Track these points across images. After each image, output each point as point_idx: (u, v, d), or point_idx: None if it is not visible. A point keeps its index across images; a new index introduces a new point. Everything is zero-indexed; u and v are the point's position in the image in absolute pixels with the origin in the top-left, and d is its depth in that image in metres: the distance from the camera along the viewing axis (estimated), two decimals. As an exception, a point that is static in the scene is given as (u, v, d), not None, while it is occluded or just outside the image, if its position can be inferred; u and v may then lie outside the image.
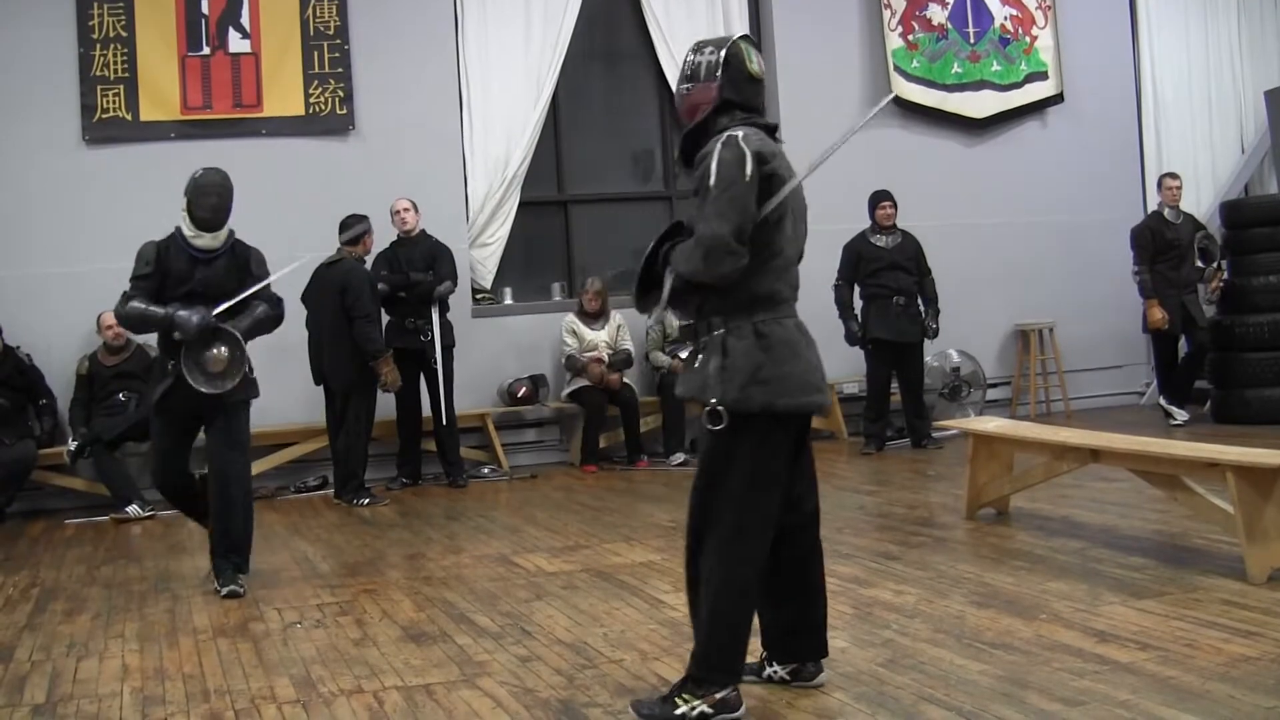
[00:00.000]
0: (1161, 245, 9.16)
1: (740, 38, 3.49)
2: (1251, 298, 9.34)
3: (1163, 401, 9.36)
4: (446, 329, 8.28)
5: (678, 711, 3.24)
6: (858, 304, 8.95)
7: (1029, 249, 10.46)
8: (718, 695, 3.25)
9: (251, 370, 5.43)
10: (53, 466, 7.94)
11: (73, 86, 8.41)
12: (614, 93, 10.16)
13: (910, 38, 10.32)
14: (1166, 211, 9.32)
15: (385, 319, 8.09)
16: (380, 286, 8.01)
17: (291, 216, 8.57)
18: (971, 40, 10.50)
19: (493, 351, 9.13)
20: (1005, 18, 10.61)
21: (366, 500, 7.68)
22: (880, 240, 8.92)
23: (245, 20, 8.77)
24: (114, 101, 8.48)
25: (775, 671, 3.58)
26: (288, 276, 8.23)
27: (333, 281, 7.77)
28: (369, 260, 8.08)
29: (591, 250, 9.90)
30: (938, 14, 10.40)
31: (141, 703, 3.81)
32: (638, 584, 5.03)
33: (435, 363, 8.14)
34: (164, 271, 5.26)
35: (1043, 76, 10.67)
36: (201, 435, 5.48)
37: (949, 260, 9.46)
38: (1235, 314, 9.37)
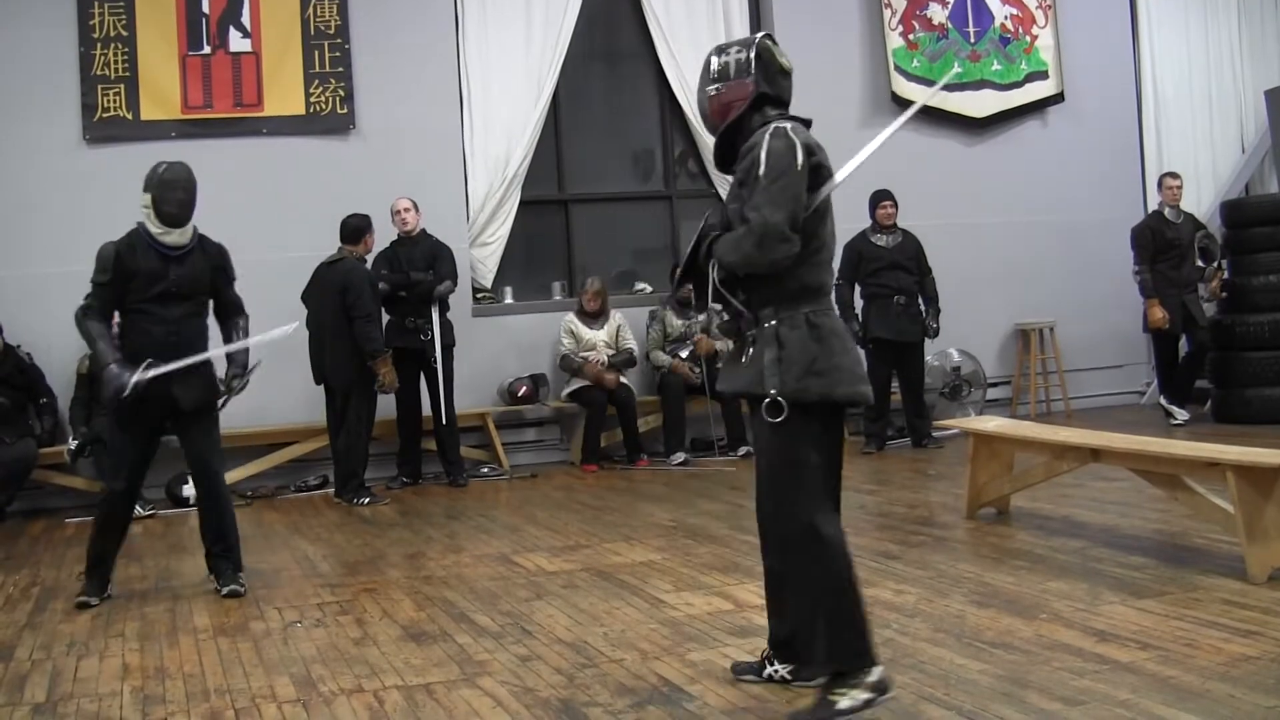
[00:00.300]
0: (1162, 245, 9.16)
1: (764, 35, 3.54)
2: (1252, 297, 9.35)
3: (1163, 401, 9.36)
4: (447, 328, 8.28)
5: (841, 706, 3.18)
6: (858, 303, 8.95)
7: (1029, 248, 10.46)
8: (869, 679, 3.21)
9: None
10: (53, 465, 7.94)
11: (73, 86, 8.41)
12: (614, 92, 10.16)
13: (911, 37, 10.32)
14: (1167, 211, 9.32)
15: (385, 318, 8.09)
16: (381, 286, 8.01)
17: (292, 215, 8.59)
18: (972, 40, 10.50)
19: (493, 351, 9.14)
20: (1005, 17, 10.61)
21: (367, 499, 7.68)
22: (881, 240, 8.92)
23: (246, 19, 8.76)
24: (115, 101, 8.48)
25: (776, 670, 3.58)
26: (286, 278, 8.27)
27: (333, 281, 7.77)
28: (369, 260, 8.09)
29: (592, 250, 9.90)
30: (938, 13, 10.40)
31: (142, 702, 3.81)
32: (638, 583, 5.03)
33: (435, 362, 8.13)
34: (129, 273, 5.06)
35: (1043, 76, 10.67)
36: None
37: (949, 260, 9.46)
38: (1235, 313, 9.38)
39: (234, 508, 5.50)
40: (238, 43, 8.74)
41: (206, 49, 8.68)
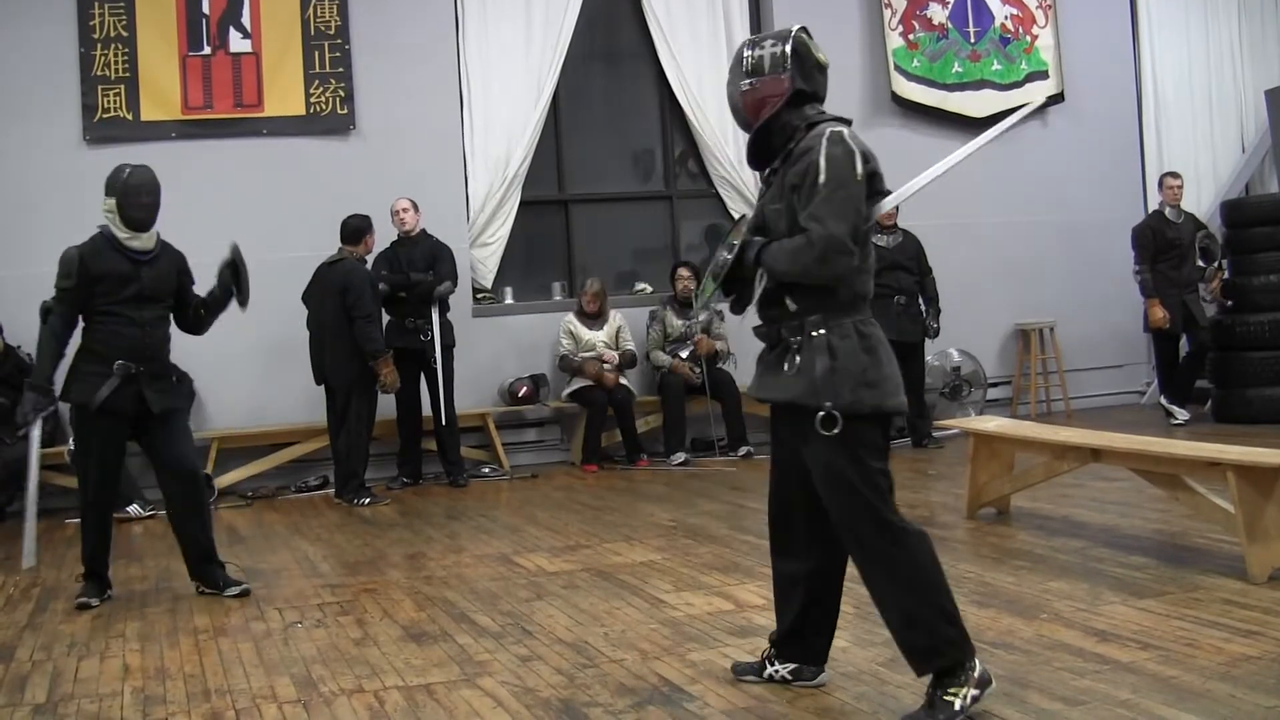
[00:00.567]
0: (1162, 244, 9.17)
1: (799, 29, 3.41)
2: (1252, 297, 9.35)
3: (1163, 401, 9.36)
4: (447, 328, 8.28)
5: (956, 707, 3.15)
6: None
7: (1029, 248, 10.46)
8: (974, 674, 3.19)
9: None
10: (54, 466, 7.92)
11: (73, 86, 8.41)
12: (614, 92, 10.15)
13: (911, 37, 10.32)
14: (1167, 211, 9.32)
15: (386, 319, 8.10)
16: (380, 287, 8.01)
17: (292, 216, 8.58)
18: (972, 39, 10.50)
19: (493, 351, 9.14)
20: (1005, 17, 10.61)
21: (367, 500, 7.68)
22: (881, 240, 8.90)
23: (246, 20, 8.77)
24: (115, 101, 8.49)
25: (777, 670, 3.57)
26: (287, 278, 8.25)
27: (334, 281, 7.77)
28: (370, 260, 8.09)
29: (592, 250, 9.90)
30: (938, 13, 10.40)
31: (142, 702, 3.81)
32: (638, 583, 5.03)
33: (435, 362, 8.13)
34: (94, 277, 5.04)
35: (1043, 76, 10.67)
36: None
37: (950, 260, 9.46)
38: (1236, 313, 9.38)
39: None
40: (238, 43, 8.74)
41: (207, 49, 8.68)
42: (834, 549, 3.42)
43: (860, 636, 4.02)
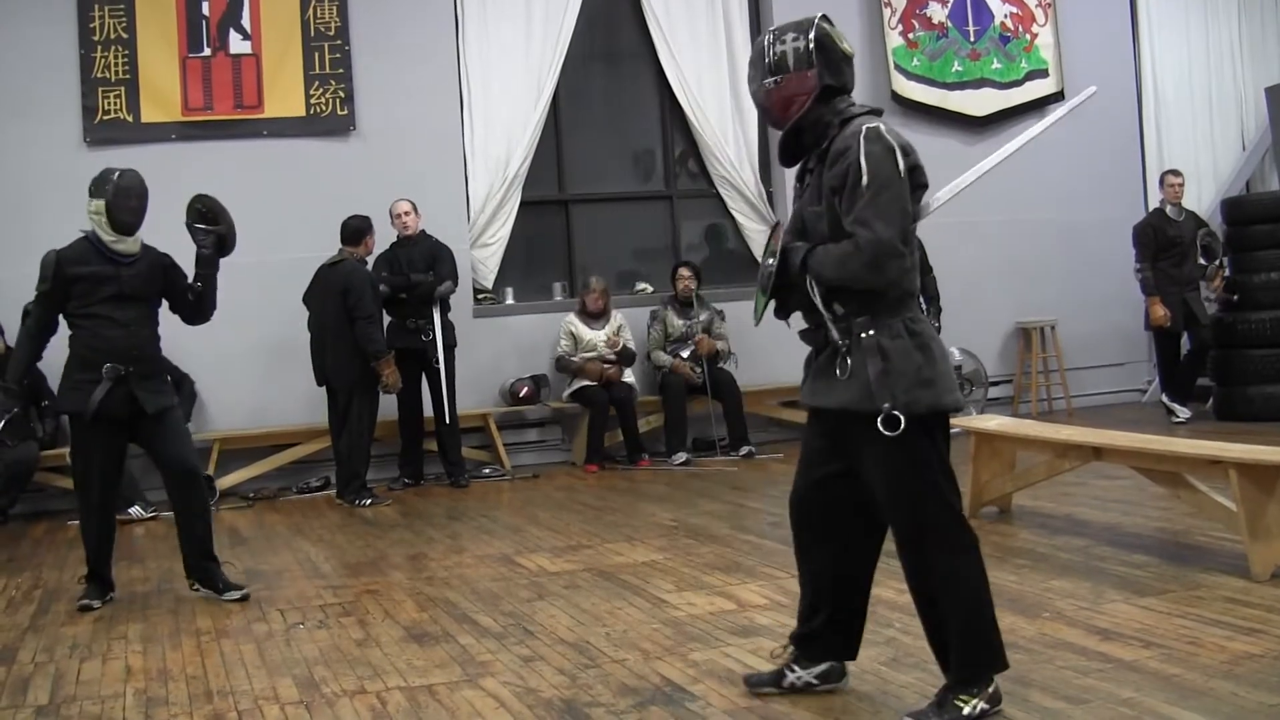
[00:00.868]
0: (1163, 242, 9.17)
1: (821, 18, 3.28)
2: (1253, 294, 9.35)
3: (1165, 399, 9.36)
4: (448, 329, 8.28)
5: (965, 713, 3.14)
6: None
7: (1030, 247, 10.45)
8: (990, 689, 3.18)
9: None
10: (55, 468, 7.93)
11: (74, 88, 8.41)
12: (614, 92, 10.15)
13: (910, 36, 10.31)
14: (1168, 209, 9.32)
15: (386, 319, 8.10)
16: (381, 288, 8.01)
17: (292, 217, 8.58)
18: (972, 38, 10.49)
19: (494, 351, 9.13)
20: (1005, 15, 10.60)
21: (369, 500, 7.68)
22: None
23: (246, 21, 8.76)
24: (115, 103, 8.49)
25: (799, 678, 3.50)
26: (287, 279, 8.27)
27: (334, 282, 7.77)
28: (370, 261, 8.09)
29: (592, 250, 9.89)
30: (938, 12, 10.40)
31: (144, 704, 3.81)
32: (640, 583, 5.03)
33: (437, 363, 8.13)
34: (71, 279, 5.04)
35: (1043, 74, 10.67)
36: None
37: (951, 258, 9.45)
38: (1237, 310, 9.38)
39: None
40: (238, 45, 8.74)
41: (207, 51, 8.68)
42: (867, 548, 3.41)
43: (863, 636, 4.01)
